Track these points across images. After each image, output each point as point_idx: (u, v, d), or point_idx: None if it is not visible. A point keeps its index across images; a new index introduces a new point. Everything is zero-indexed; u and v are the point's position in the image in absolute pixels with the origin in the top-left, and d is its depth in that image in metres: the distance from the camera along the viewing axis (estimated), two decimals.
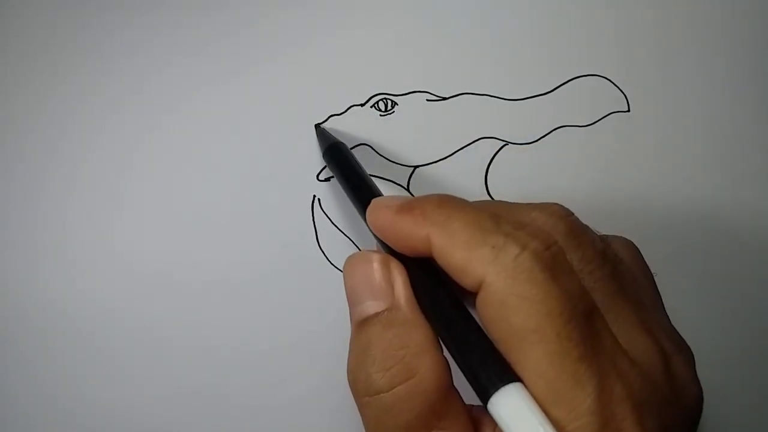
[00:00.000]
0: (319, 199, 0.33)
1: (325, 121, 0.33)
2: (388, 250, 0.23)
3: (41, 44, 0.31)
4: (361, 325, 0.22)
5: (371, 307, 0.22)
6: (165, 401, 0.32)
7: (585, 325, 0.19)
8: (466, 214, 0.21)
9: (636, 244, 0.26)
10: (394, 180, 0.33)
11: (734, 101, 0.35)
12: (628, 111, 0.34)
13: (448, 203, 0.22)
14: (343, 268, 0.23)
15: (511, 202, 0.23)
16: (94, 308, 0.31)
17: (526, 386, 0.19)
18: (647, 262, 0.26)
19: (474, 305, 0.21)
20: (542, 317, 0.19)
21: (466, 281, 0.20)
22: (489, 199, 0.33)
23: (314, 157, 0.33)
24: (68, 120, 0.32)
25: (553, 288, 0.19)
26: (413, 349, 0.21)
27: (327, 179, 0.33)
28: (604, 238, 0.23)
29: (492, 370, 0.19)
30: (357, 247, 0.33)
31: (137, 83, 0.32)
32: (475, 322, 0.21)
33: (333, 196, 0.33)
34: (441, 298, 0.22)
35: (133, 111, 0.32)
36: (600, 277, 0.21)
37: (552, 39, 0.34)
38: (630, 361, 0.20)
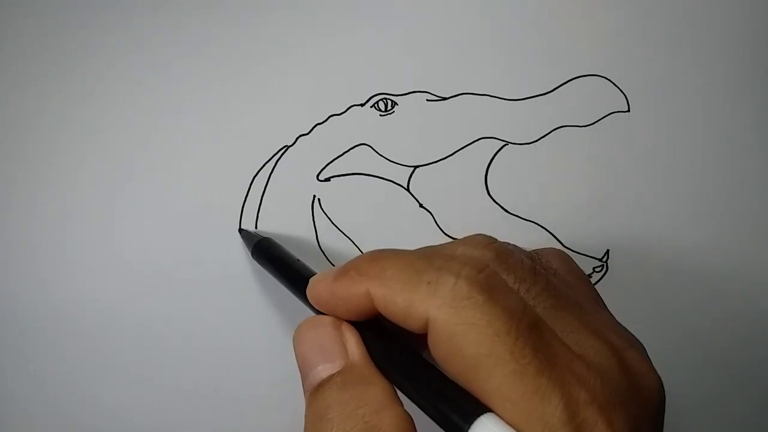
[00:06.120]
0: (319, 199, 0.33)
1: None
2: None
3: (40, 44, 0.31)
4: (315, 391, 0.22)
5: (325, 370, 0.22)
6: (164, 400, 0.32)
7: (534, 338, 0.19)
8: (397, 261, 0.21)
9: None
10: (394, 180, 0.33)
11: (734, 101, 0.35)
12: (628, 111, 0.34)
13: (380, 256, 0.22)
14: (293, 336, 0.23)
15: (437, 244, 0.23)
16: (93, 308, 0.31)
17: (496, 414, 0.19)
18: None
19: (428, 350, 0.21)
20: (492, 340, 0.19)
21: (413, 324, 0.20)
22: (488, 198, 0.34)
23: (315, 157, 0.33)
24: (68, 120, 0.32)
25: (495, 308, 0.19)
26: (372, 406, 0.21)
27: (327, 179, 0.33)
28: (532, 255, 0.23)
29: (460, 406, 0.19)
30: (357, 246, 0.33)
31: (137, 83, 0.32)
32: (433, 366, 0.21)
33: (333, 196, 0.33)
34: (395, 352, 0.22)
35: (133, 111, 0.32)
36: (536, 293, 0.21)
37: (552, 39, 0.34)
38: (586, 364, 0.20)
